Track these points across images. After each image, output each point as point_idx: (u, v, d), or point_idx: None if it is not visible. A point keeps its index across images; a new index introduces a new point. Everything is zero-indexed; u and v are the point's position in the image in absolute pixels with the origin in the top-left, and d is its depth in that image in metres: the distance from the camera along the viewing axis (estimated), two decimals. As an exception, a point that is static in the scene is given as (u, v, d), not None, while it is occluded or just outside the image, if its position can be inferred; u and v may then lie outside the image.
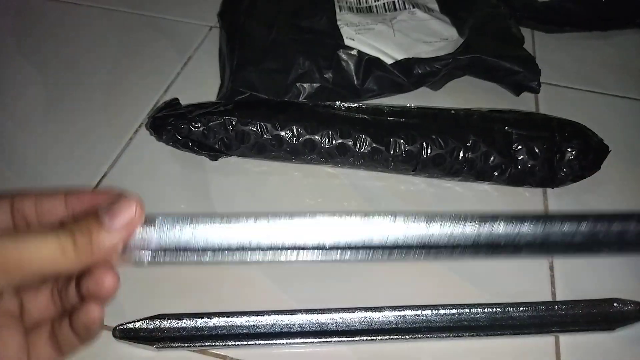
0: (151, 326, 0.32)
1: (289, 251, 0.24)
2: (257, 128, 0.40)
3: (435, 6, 0.53)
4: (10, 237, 0.21)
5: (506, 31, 0.49)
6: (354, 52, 0.44)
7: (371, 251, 0.25)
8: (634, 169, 0.44)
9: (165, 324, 0.32)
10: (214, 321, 0.32)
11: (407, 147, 0.39)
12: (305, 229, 0.24)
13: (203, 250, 0.24)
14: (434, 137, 0.40)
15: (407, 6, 0.52)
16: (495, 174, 0.40)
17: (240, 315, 0.32)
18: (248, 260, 0.24)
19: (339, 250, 0.25)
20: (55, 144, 0.43)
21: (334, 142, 0.40)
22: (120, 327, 0.31)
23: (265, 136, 0.40)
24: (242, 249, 0.24)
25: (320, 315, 0.33)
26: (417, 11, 0.51)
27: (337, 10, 0.50)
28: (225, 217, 0.24)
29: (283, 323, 0.32)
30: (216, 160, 0.42)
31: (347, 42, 0.46)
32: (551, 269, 0.37)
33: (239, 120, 0.40)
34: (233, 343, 0.32)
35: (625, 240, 0.25)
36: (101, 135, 0.44)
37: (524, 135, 0.40)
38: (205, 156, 0.42)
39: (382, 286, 0.35)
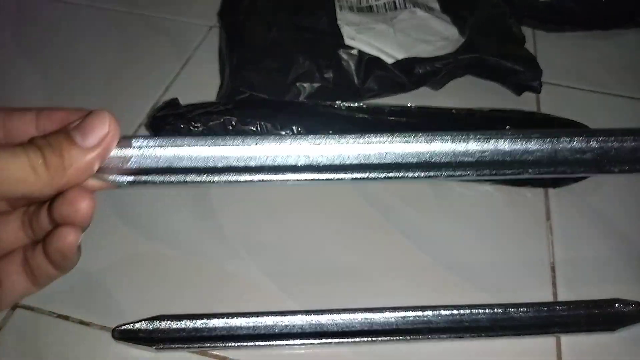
0: (151, 327, 0.32)
1: (279, 174, 0.22)
2: (257, 128, 0.40)
3: (436, 5, 0.52)
4: None
5: (507, 30, 0.49)
6: (354, 52, 0.44)
7: (368, 171, 0.23)
8: (636, 168, 0.44)
9: (165, 325, 0.32)
10: (214, 322, 0.32)
11: (408, 147, 0.39)
12: (297, 148, 0.22)
13: (187, 170, 0.22)
14: (434, 137, 0.40)
15: (407, 5, 0.51)
16: (496, 173, 0.40)
17: (240, 316, 0.32)
18: (235, 181, 0.22)
19: (334, 172, 0.22)
20: (54, 144, 0.43)
21: (334, 142, 0.40)
22: (119, 328, 0.31)
23: (265, 136, 0.40)
24: (229, 170, 0.22)
25: (320, 316, 0.33)
26: (418, 10, 0.51)
27: (338, 9, 0.50)
28: (211, 138, 0.22)
29: (283, 324, 0.32)
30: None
31: (348, 41, 0.46)
32: (552, 269, 0.37)
33: (239, 120, 0.40)
34: (233, 344, 0.31)
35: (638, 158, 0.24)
36: (101, 136, 0.44)
37: (525, 135, 0.40)
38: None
39: (382, 287, 0.35)
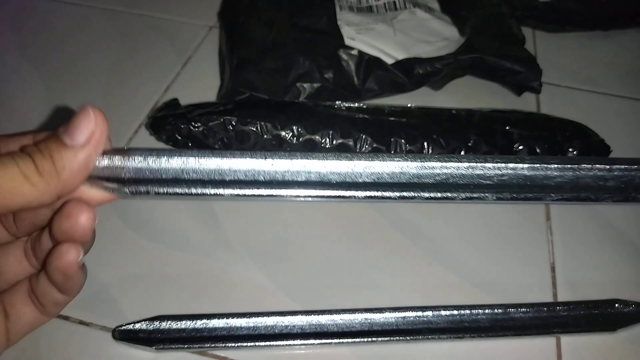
0: (151, 327, 0.32)
1: (290, 189, 0.21)
2: (257, 128, 0.40)
3: (436, 6, 0.52)
4: None
5: (507, 31, 0.49)
6: (354, 52, 0.44)
7: (380, 190, 0.22)
8: (636, 169, 0.44)
9: (165, 325, 0.32)
10: (214, 322, 0.32)
11: (408, 147, 0.39)
12: (300, 164, 0.21)
13: (192, 182, 0.21)
14: (435, 137, 0.40)
15: (407, 6, 0.51)
16: (496, 174, 0.40)
17: (240, 317, 0.32)
18: (243, 195, 0.21)
19: (346, 189, 0.21)
20: (54, 144, 0.43)
21: (334, 142, 0.40)
22: (119, 328, 0.31)
23: (265, 136, 0.40)
24: (236, 183, 0.21)
25: (320, 316, 0.33)
26: (418, 11, 0.51)
27: (338, 9, 0.50)
28: (219, 152, 0.21)
29: (283, 324, 0.32)
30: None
31: (348, 41, 0.46)
32: (552, 269, 0.37)
33: (239, 120, 0.40)
34: (233, 344, 0.31)
35: None
36: (101, 136, 0.44)
37: (525, 135, 0.40)
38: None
39: (382, 287, 0.35)
